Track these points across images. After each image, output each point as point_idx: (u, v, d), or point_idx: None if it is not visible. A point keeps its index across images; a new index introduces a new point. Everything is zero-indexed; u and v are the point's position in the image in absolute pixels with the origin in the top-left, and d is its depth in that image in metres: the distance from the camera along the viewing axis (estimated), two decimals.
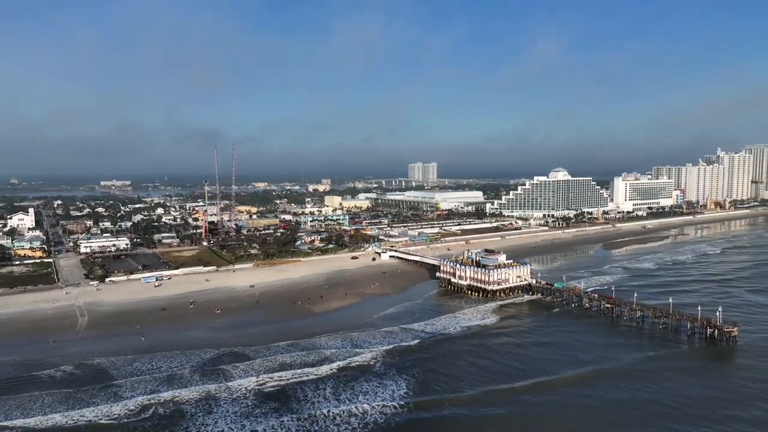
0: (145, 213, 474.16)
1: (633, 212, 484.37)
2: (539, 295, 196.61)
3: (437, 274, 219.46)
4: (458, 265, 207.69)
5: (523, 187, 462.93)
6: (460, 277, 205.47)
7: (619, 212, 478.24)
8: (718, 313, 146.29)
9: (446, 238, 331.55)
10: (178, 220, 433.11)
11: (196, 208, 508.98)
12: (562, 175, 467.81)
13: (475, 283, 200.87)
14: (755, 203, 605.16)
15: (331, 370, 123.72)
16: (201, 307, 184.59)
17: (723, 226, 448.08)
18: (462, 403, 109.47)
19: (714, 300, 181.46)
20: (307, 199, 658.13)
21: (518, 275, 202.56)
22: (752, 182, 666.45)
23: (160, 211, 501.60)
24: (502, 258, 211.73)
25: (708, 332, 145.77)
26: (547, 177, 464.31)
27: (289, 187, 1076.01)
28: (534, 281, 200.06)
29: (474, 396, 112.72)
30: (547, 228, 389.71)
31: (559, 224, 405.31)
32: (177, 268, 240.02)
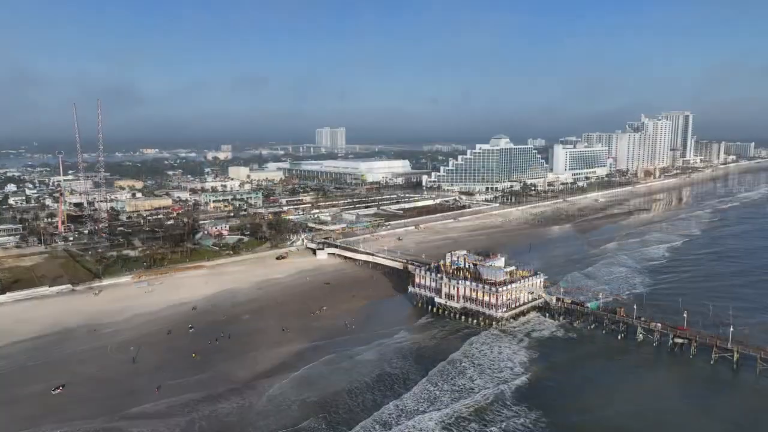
0: None
1: (574, 183, 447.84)
2: (562, 319, 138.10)
3: (410, 288, 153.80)
4: (444, 277, 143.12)
5: (464, 156, 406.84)
6: (449, 296, 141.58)
7: (562, 183, 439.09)
8: None
9: (390, 223, 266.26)
10: (33, 201, 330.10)
11: (61, 184, 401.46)
12: (504, 143, 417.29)
13: (473, 306, 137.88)
14: (677, 171, 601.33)
15: None
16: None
17: (669, 195, 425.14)
18: None
19: None
20: (206, 170, 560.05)
21: (530, 291, 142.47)
22: (671, 150, 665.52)
23: (11, 188, 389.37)
24: (500, 262, 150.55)
25: None
26: (489, 145, 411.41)
27: (184, 155, 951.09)
28: (553, 299, 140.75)
29: None
30: (498, 205, 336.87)
31: (508, 200, 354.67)
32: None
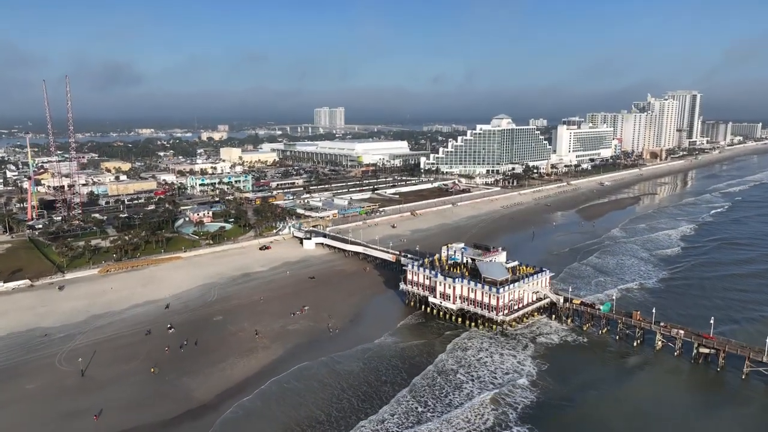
0: None
1: (579, 165, 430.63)
2: (570, 321, 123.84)
3: (402, 285, 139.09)
4: (439, 275, 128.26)
5: (465, 138, 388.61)
6: (445, 296, 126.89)
7: (565, 166, 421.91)
8: None
9: (385, 209, 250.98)
10: (11, 185, 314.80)
11: (44, 166, 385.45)
12: (506, 123, 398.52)
13: (471, 308, 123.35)
14: (683, 152, 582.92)
15: None
16: None
17: (676, 178, 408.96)
18: None
19: None
20: (198, 151, 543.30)
21: (535, 290, 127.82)
22: (677, 131, 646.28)
23: None
24: (502, 257, 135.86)
25: None
26: (490, 126, 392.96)
27: (179, 135, 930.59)
28: (561, 299, 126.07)
29: None
30: (499, 189, 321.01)
31: (510, 183, 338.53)
32: None
